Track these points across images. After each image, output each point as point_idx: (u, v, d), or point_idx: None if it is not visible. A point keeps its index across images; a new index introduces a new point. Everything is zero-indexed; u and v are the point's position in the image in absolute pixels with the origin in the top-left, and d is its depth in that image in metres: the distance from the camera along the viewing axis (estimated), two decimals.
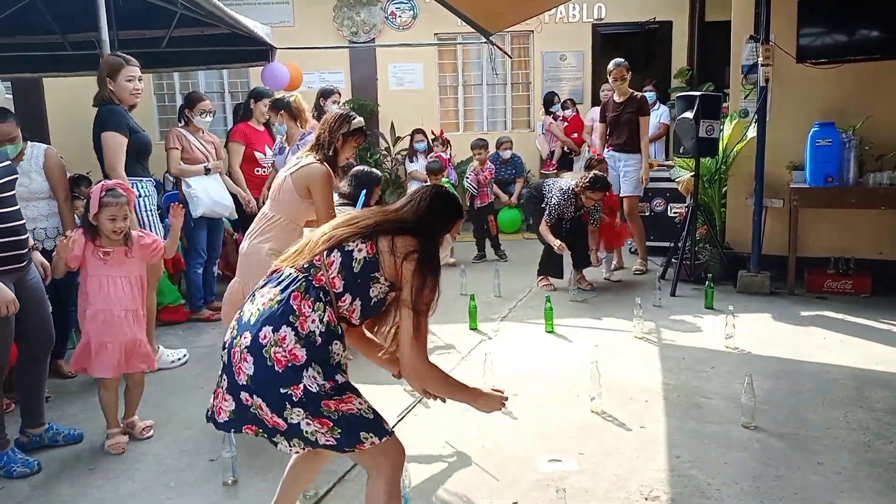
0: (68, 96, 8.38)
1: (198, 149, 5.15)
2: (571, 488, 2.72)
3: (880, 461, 2.91)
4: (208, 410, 2.08)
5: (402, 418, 3.44)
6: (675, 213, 6.75)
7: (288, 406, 1.90)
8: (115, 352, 3.14)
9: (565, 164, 8.55)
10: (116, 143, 3.94)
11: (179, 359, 4.36)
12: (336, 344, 1.98)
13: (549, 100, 8.77)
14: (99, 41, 4.24)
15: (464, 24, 5.43)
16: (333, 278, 2.01)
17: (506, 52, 8.67)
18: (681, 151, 5.82)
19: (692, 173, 5.83)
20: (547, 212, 5.62)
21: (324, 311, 1.97)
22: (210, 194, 5.11)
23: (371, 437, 1.95)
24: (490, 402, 2.22)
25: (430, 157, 7.89)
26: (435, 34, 9.78)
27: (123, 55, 4.04)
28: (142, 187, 4.11)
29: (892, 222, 5.29)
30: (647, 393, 3.67)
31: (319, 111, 6.29)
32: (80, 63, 6.76)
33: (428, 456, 3.07)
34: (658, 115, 8.03)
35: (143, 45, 6.39)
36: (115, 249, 3.18)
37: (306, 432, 1.92)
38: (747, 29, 5.86)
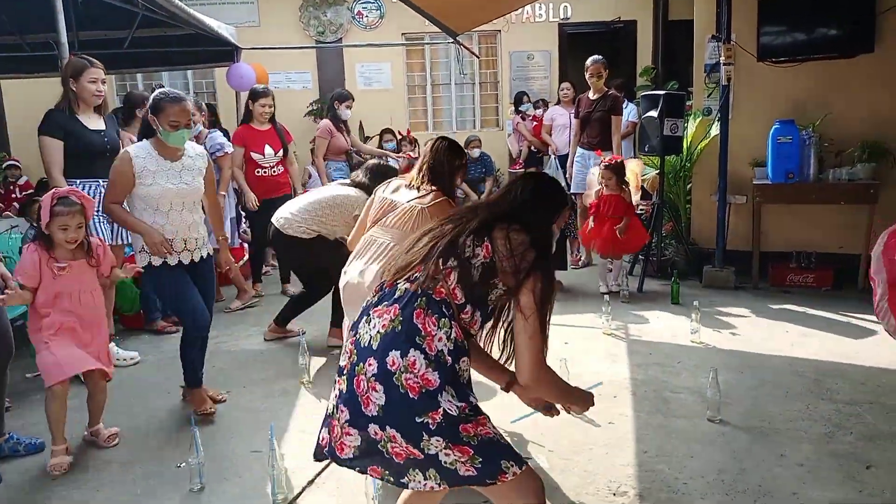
0: (27, 98, 8.18)
1: None
2: None
3: (841, 452, 2.97)
4: (325, 447, 1.91)
5: None
6: (641, 209, 6.82)
7: (425, 436, 1.75)
8: (75, 354, 3.04)
9: (533, 162, 8.59)
10: (48, 147, 3.91)
11: (132, 357, 4.41)
12: (464, 361, 1.85)
13: (518, 99, 8.82)
14: (57, 42, 4.18)
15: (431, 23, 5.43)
16: (454, 289, 1.87)
17: (473, 52, 8.71)
18: (647, 149, 5.89)
19: (657, 171, 5.91)
20: None
21: (450, 328, 1.83)
22: None
23: (512, 467, 1.78)
24: (586, 401, 2.13)
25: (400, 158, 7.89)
26: (402, 34, 9.78)
27: (88, 57, 4.01)
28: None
29: (852, 217, 5.40)
30: (616, 388, 3.71)
31: (333, 113, 6.30)
32: (39, 64, 6.65)
33: None
34: (627, 114, 8.11)
35: (105, 46, 6.29)
36: (72, 263, 3.06)
37: (445, 463, 1.76)
38: (709, 28, 5.95)
